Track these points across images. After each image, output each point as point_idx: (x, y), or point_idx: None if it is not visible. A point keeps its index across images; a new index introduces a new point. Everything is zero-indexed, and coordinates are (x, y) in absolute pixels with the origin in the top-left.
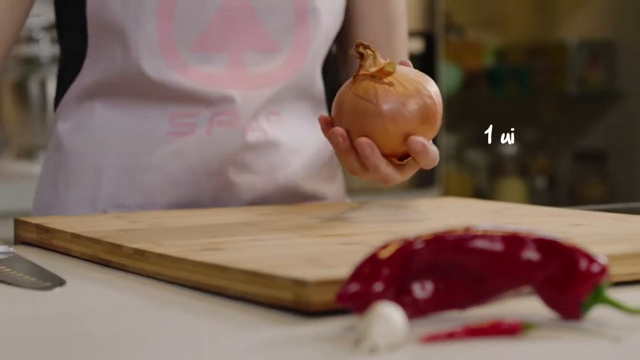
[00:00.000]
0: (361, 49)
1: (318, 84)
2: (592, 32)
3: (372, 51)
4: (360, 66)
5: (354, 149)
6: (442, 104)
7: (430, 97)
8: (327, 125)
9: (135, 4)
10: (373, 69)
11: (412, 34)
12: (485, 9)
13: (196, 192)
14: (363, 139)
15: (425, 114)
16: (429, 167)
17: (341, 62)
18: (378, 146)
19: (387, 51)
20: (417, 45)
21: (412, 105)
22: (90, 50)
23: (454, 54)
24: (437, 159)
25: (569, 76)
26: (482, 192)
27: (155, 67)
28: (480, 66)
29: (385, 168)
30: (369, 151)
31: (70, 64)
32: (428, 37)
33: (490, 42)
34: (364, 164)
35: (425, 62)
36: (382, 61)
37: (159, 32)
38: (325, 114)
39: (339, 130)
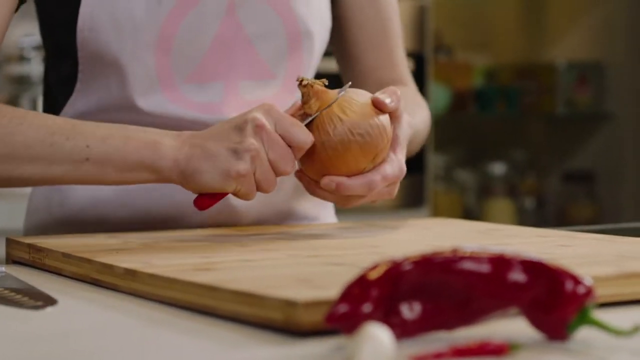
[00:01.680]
0: (298, 86)
1: None
2: (581, 54)
3: (307, 87)
4: (303, 103)
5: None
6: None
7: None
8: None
9: (132, 37)
10: (306, 106)
11: None
12: (475, 29)
13: (197, 216)
14: (324, 181)
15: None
16: (370, 196)
17: (342, 67)
18: (341, 173)
19: (384, 50)
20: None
21: (357, 132)
22: (82, 76)
23: (444, 75)
24: (370, 185)
25: (557, 97)
26: (471, 212)
27: (153, 101)
28: (470, 87)
29: (358, 187)
30: (334, 186)
31: (60, 88)
32: (418, 58)
33: (479, 62)
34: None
35: (415, 82)
36: (317, 92)
37: (157, 66)
38: None
39: (301, 175)
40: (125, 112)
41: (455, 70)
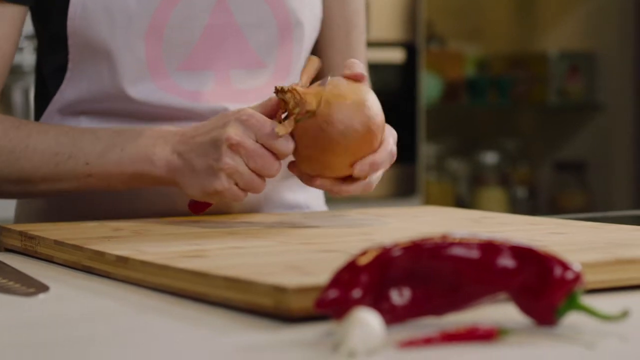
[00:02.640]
0: (280, 95)
1: None
2: (573, 44)
3: (291, 91)
4: (287, 110)
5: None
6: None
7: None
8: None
9: (123, 25)
10: (297, 110)
11: (393, 44)
12: (467, 19)
13: (186, 204)
14: (317, 182)
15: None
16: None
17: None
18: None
19: (344, 53)
20: (399, 55)
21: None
22: (71, 65)
23: (435, 64)
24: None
25: (549, 87)
26: (463, 202)
27: (143, 89)
28: (461, 76)
29: (355, 188)
30: (329, 188)
31: (52, 77)
32: (409, 48)
33: (471, 52)
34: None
35: (406, 72)
36: (304, 92)
37: (148, 54)
38: None
39: (293, 168)
40: (115, 100)
41: (447, 60)
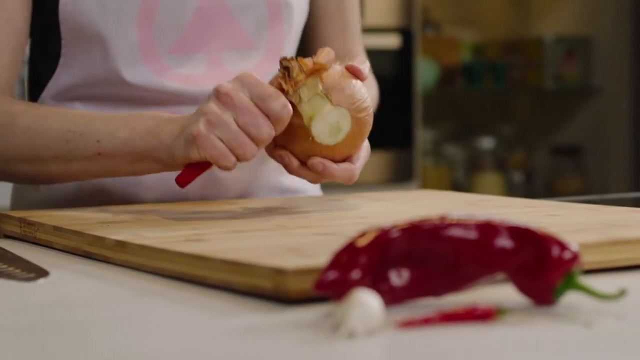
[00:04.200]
0: (285, 63)
1: None
2: (568, 28)
3: (296, 62)
4: (288, 82)
5: (303, 164)
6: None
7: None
8: (269, 145)
9: (115, 10)
10: (301, 76)
11: (389, 30)
12: (462, 5)
13: (183, 190)
14: (313, 161)
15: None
16: (347, 183)
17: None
18: (326, 156)
19: (338, 22)
20: (395, 41)
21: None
22: (65, 51)
23: (431, 50)
24: (353, 176)
25: (545, 72)
26: (459, 187)
27: (137, 73)
28: (457, 62)
29: (342, 173)
30: (322, 168)
31: (45, 65)
32: (405, 33)
33: (467, 38)
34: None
35: (402, 58)
36: (308, 65)
37: (140, 38)
38: None
39: (283, 153)
40: (109, 85)
41: (443, 45)
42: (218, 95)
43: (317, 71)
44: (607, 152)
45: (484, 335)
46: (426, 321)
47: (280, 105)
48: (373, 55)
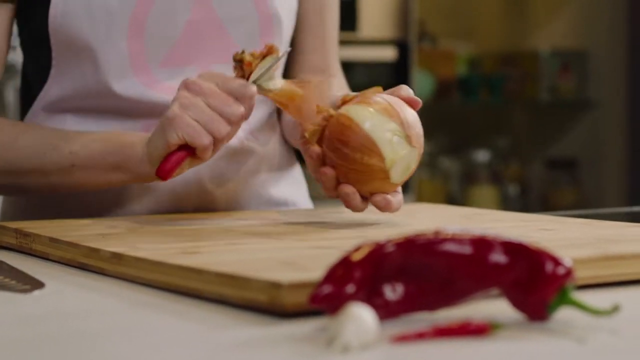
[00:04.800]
0: (237, 57)
1: None
2: (564, 41)
3: (246, 53)
4: (244, 68)
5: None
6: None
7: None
8: (317, 162)
9: (105, 22)
10: (255, 62)
11: (385, 42)
12: (459, 18)
13: (173, 202)
14: (377, 198)
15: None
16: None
17: None
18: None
19: (317, 36)
20: (391, 53)
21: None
22: (55, 63)
23: (427, 63)
24: (401, 204)
25: (541, 85)
26: (454, 199)
27: (127, 85)
28: (453, 74)
29: (397, 205)
30: (384, 204)
31: (35, 76)
32: (401, 46)
33: (463, 50)
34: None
35: (398, 71)
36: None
37: (130, 50)
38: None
39: (350, 191)
40: (99, 97)
41: (439, 58)
42: (186, 84)
43: (268, 54)
44: (603, 165)
45: (477, 350)
46: (420, 336)
47: (241, 84)
48: (369, 67)
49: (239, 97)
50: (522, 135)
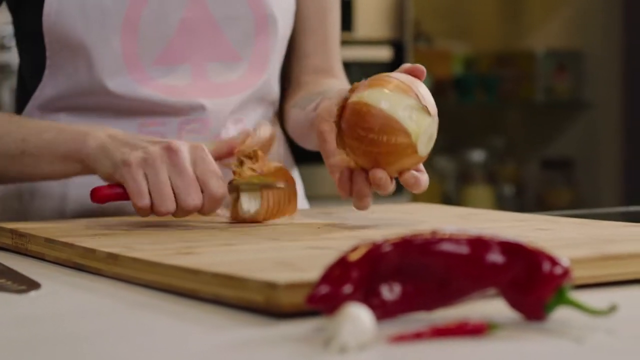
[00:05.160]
0: (240, 156)
1: (275, 90)
2: (560, 42)
3: (249, 159)
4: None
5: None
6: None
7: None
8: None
9: (99, 21)
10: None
11: (381, 42)
12: (454, 18)
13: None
14: (408, 175)
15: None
16: (421, 192)
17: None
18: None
19: (319, 38)
20: (386, 53)
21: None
22: (49, 62)
23: (423, 63)
24: (427, 184)
25: (536, 85)
26: (450, 199)
27: (121, 83)
28: (449, 75)
29: (425, 184)
30: (414, 181)
31: (30, 74)
32: (397, 46)
33: (458, 51)
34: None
35: (394, 71)
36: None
37: (124, 48)
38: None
39: (383, 175)
40: (95, 95)
41: (435, 58)
42: (169, 148)
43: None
44: (598, 165)
45: (475, 350)
46: (418, 336)
47: (219, 186)
48: (364, 67)
49: (206, 194)
50: (517, 135)
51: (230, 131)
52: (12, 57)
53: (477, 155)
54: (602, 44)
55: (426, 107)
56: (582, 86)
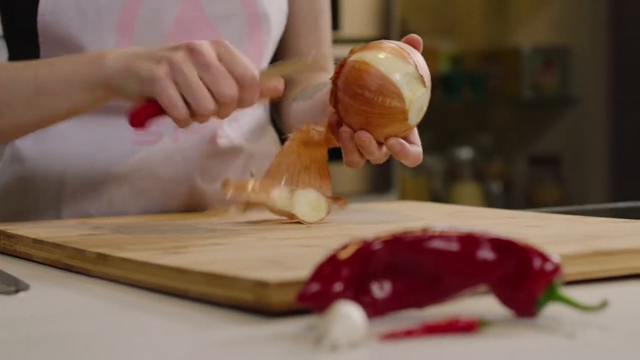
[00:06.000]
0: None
1: None
2: (546, 38)
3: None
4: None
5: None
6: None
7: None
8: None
9: (94, 20)
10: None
11: (367, 40)
12: (440, 15)
13: (164, 201)
14: (391, 141)
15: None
16: (413, 165)
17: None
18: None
19: (313, 39)
20: None
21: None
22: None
23: None
24: (420, 158)
25: (523, 82)
26: (438, 197)
27: None
28: (436, 72)
29: (414, 154)
30: (399, 148)
31: None
32: None
33: (445, 48)
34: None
35: None
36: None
37: (119, 47)
38: (267, 115)
39: (367, 137)
40: None
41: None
42: (189, 48)
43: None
44: (585, 161)
45: (466, 347)
46: (409, 333)
47: (246, 66)
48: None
49: (238, 79)
50: (505, 132)
51: (226, 130)
52: (1, 56)
53: (465, 153)
54: (589, 40)
55: (422, 76)
56: (569, 82)
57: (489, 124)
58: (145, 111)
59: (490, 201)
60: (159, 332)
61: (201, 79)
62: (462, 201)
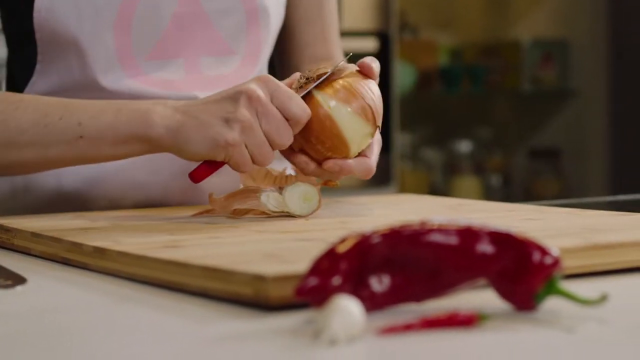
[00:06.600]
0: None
1: None
2: (546, 31)
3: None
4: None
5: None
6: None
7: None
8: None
9: (91, 16)
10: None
11: (367, 33)
12: (440, 8)
13: (162, 194)
14: (328, 164)
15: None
16: (364, 178)
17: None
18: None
19: (318, 26)
20: (372, 44)
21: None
22: (41, 57)
23: (409, 54)
24: (371, 171)
25: (523, 75)
26: (437, 190)
27: (114, 79)
28: (435, 65)
29: (359, 167)
30: (338, 169)
31: (20, 71)
32: (383, 37)
33: (444, 41)
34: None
35: (380, 62)
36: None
37: (117, 44)
38: None
39: (303, 159)
40: (88, 91)
41: (421, 49)
42: (250, 99)
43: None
44: (585, 155)
45: (465, 341)
46: (407, 327)
47: (301, 107)
48: (350, 58)
49: (293, 122)
50: (504, 125)
51: None
52: (0, 51)
53: (464, 146)
54: (588, 33)
55: (378, 126)
56: (569, 75)
57: (489, 117)
58: (208, 169)
59: (490, 194)
60: (157, 326)
61: (262, 128)
62: (461, 194)
